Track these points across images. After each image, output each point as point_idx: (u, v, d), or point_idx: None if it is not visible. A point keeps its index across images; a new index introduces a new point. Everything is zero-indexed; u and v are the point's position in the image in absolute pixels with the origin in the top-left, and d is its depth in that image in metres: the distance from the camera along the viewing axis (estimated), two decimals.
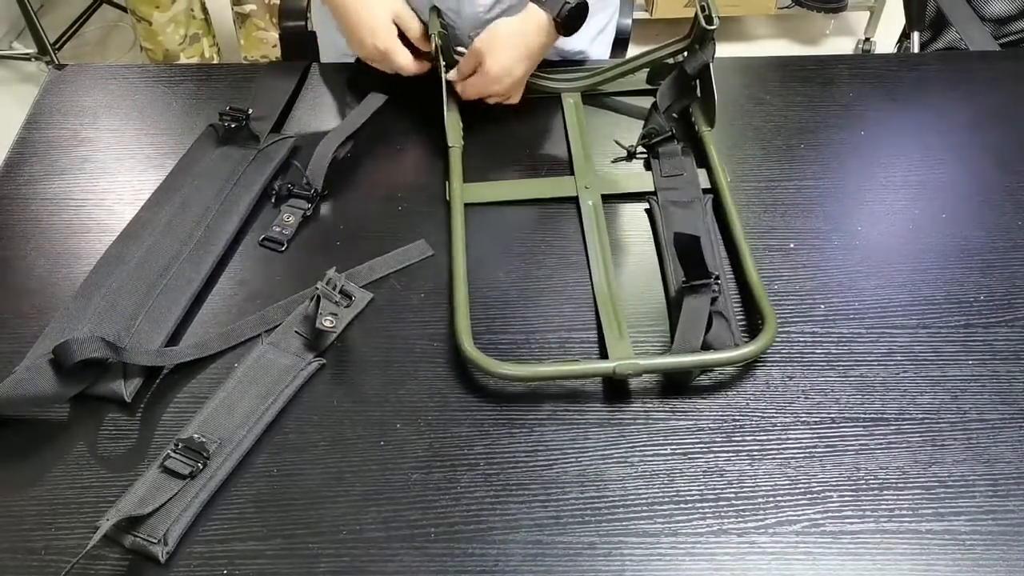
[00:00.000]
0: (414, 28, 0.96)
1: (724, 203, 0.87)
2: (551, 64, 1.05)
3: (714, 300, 0.76)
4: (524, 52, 0.92)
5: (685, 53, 0.97)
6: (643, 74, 1.03)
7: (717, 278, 0.76)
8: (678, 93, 0.97)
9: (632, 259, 0.85)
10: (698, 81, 0.96)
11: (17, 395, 0.69)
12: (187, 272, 0.81)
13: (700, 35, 0.92)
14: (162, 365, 0.74)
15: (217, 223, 0.85)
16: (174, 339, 0.77)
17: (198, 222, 0.85)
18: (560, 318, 0.79)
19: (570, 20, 0.91)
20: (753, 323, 0.79)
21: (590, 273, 0.82)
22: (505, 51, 0.91)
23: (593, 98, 1.02)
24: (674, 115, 0.97)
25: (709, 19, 0.89)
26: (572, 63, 1.09)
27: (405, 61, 0.94)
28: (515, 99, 0.97)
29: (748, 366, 0.75)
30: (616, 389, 0.74)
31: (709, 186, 0.90)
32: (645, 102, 1.00)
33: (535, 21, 0.91)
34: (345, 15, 0.95)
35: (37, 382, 0.69)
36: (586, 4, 0.91)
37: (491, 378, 0.74)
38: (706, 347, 0.74)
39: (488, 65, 0.91)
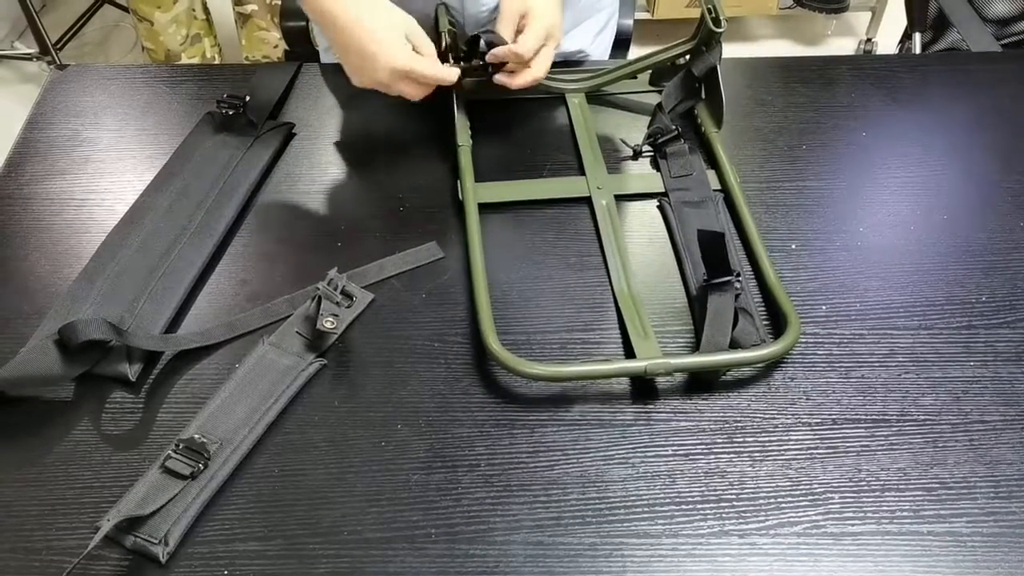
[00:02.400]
0: (427, 49, 0.87)
1: (736, 203, 0.88)
2: (552, 64, 1.05)
3: (737, 297, 0.76)
4: None
5: (688, 55, 0.96)
6: (646, 74, 1.03)
7: (738, 275, 0.76)
8: (684, 94, 0.97)
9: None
10: (703, 83, 0.96)
11: (22, 374, 0.70)
12: (188, 255, 0.82)
13: (706, 37, 0.92)
14: (165, 350, 0.74)
15: (217, 208, 0.86)
16: (174, 325, 0.78)
17: (198, 206, 0.86)
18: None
19: None
20: (773, 321, 0.79)
21: (608, 273, 0.82)
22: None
23: (597, 98, 1.02)
24: (677, 116, 0.97)
25: (717, 21, 0.89)
26: (573, 63, 1.09)
27: (436, 70, 0.85)
28: (560, 38, 0.92)
29: (750, 366, 0.75)
30: (617, 391, 0.74)
31: (718, 187, 0.91)
32: (649, 101, 1.01)
33: None
34: (346, 35, 0.84)
35: (42, 362, 0.70)
36: None
37: (497, 378, 0.74)
38: (733, 344, 0.74)
39: (533, 5, 0.88)
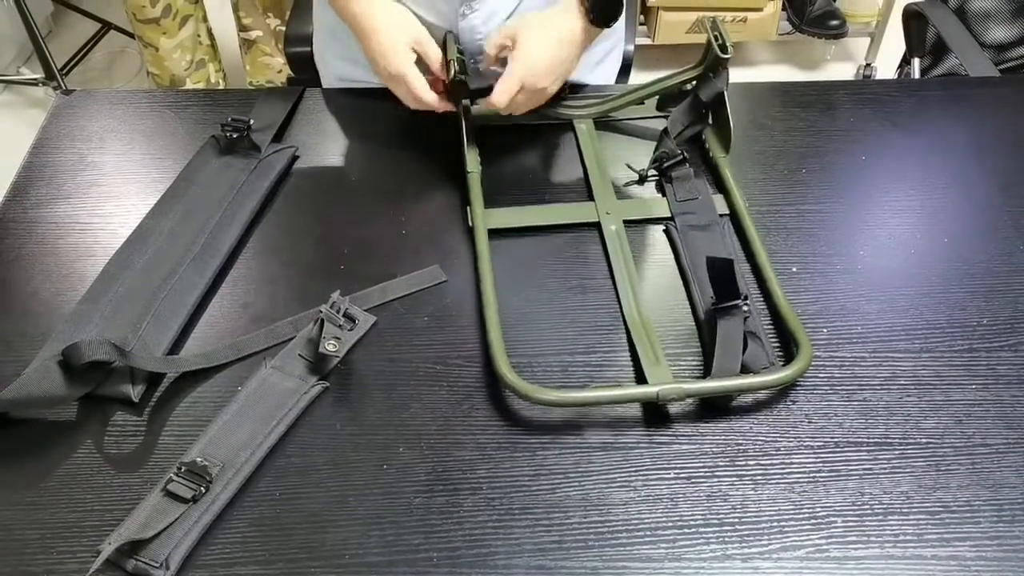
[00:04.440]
0: (433, 56, 0.92)
1: (745, 227, 0.88)
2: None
3: (745, 320, 0.77)
4: (555, 35, 0.90)
5: (695, 81, 0.97)
6: (653, 100, 1.04)
7: (746, 298, 0.76)
8: (691, 119, 0.98)
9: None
10: (710, 108, 0.97)
11: (25, 395, 0.70)
12: (191, 277, 0.82)
13: (713, 63, 0.93)
14: (168, 372, 0.75)
15: (220, 230, 0.87)
16: (177, 347, 0.78)
17: (201, 229, 0.87)
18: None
19: (603, 6, 0.89)
20: (782, 343, 0.79)
21: (618, 298, 0.83)
22: (532, 32, 0.89)
23: (604, 123, 1.03)
24: (683, 141, 0.98)
25: (724, 48, 0.90)
26: (576, 87, 1.10)
27: (421, 88, 0.90)
28: (547, 86, 0.91)
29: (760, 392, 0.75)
30: (619, 414, 0.74)
31: (726, 211, 0.91)
32: (655, 127, 1.02)
33: (568, 5, 0.90)
34: (362, 36, 0.93)
35: (45, 383, 0.70)
36: None
37: (499, 401, 0.74)
38: (743, 369, 0.74)
39: (517, 49, 0.89)
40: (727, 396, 0.74)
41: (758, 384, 0.73)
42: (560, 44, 0.90)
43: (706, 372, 0.76)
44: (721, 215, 0.91)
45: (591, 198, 0.93)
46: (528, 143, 1.00)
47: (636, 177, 0.95)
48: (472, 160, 0.93)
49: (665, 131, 0.97)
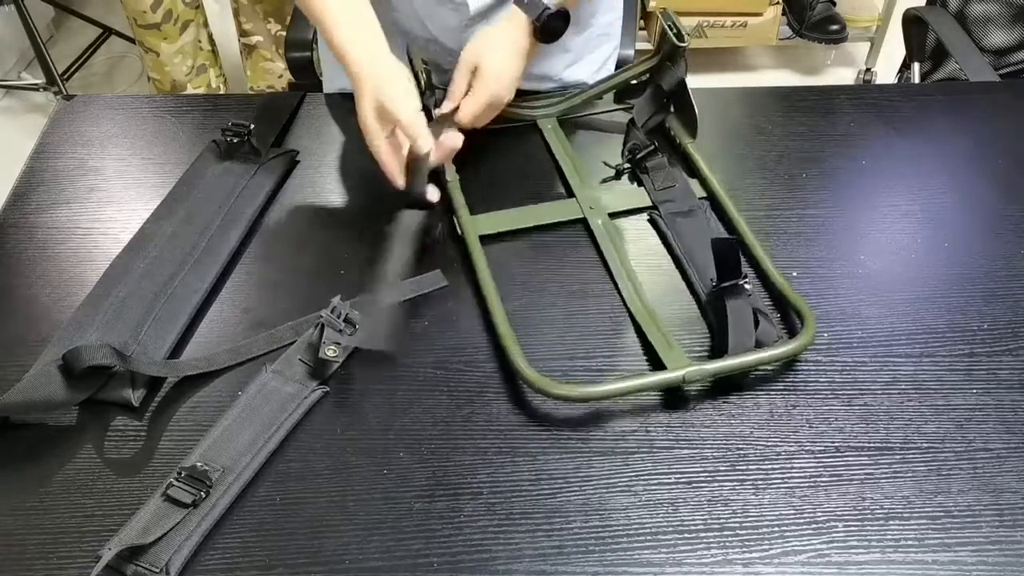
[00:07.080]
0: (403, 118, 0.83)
1: (725, 207, 0.90)
2: (527, 92, 1.06)
3: (748, 298, 0.78)
4: (514, 50, 0.92)
5: (649, 73, 1.00)
6: (611, 93, 1.05)
7: (746, 276, 0.77)
8: (654, 109, 1.00)
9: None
10: (673, 96, 0.99)
11: (25, 400, 0.70)
12: (192, 282, 0.82)
13: (670, 52, 0.95)
14: (168, 376, 0.75)
15: (220, 235, 0.87)
16: (177, 351, 0.78)
17: (202, 233, 0.87)
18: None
19: (549, 26, 0.91)
20: (783, 320, 0.81)
21: (618, 290, 0.83)
22: (496, 51, 0.91)
23: (567, 121, 1.04)
24: (648, 130, 0.99)
25: (679, 36, 0.93)
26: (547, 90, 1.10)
27: (415, 123, 0.82)
28: (508, 98, 0.93)
29: (751, 393, 0.75)
30: (618, 418, 0.74)
31: (703, 195, 0.93)
32: (618, 119, 1.03)
33: (519, 20, 0.92)
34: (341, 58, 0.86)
35: (46, 387, 0.70)
36: (567, 12, 0.91)
37: (499, 406, 0.74)
38: (756, 344, 0.75)
39: (484, 67, 0.90)
40: (745, 373, 0.75)
41: (777, 356, 0.74)
42: (519, 57, 0.93)
43: (720, 351, 0.76)
44: (701, 199, 0.92)
45: (571, 195, 0.94)
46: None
47: (612, 172, 0.96)
48: (448, 170, 0.93)
49: (632, 122, 0.99)
